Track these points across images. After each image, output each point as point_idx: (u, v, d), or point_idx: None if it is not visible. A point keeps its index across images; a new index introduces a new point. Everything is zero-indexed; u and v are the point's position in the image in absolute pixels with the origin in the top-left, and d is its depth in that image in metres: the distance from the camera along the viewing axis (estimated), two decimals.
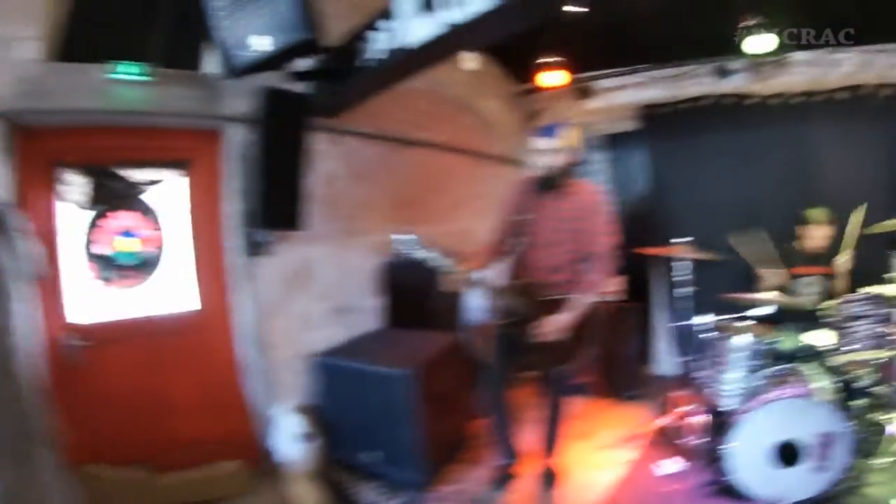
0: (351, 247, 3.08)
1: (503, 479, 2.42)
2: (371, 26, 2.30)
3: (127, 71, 2.38)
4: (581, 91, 3.70)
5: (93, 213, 2.48)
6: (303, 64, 2.50)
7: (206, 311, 2.79)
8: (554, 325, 2.19)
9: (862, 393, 2.21)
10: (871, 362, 2.21)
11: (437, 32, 2.00)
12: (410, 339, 2.92)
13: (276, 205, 2.51)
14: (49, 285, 2.32)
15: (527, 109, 4.16)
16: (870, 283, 2.39)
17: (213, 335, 2.80)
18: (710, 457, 2.36)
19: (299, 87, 2.61)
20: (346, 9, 2.56)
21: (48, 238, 2.35)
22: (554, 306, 2.23)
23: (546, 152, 2.26)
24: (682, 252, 2.70)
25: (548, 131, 2.26)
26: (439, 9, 1.97)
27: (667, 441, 2.71)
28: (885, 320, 2.17)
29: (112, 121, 2.50)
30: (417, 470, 2.47)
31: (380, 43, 2.26)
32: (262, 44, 2.16)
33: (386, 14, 2.20)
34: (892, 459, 2.16)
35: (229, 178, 2.78)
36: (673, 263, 2.91)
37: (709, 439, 2.43)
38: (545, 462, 2.43)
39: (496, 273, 2.37)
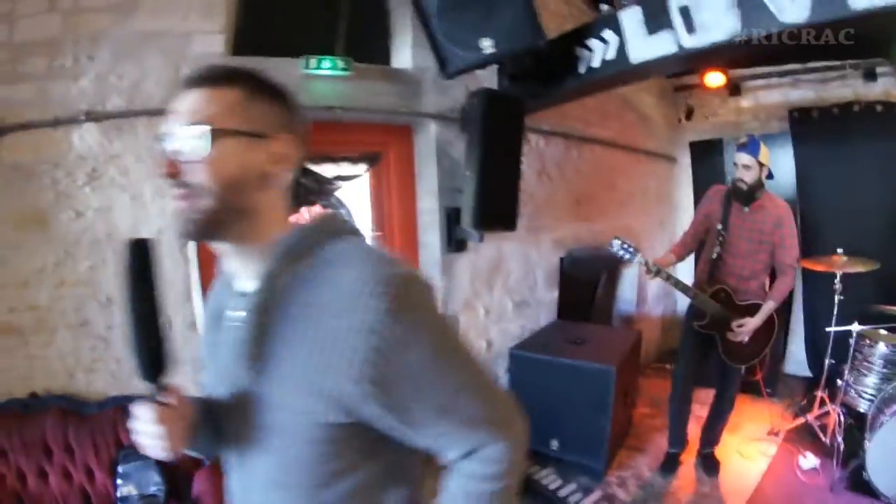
0: (535, 242, 3.39)
1: (672, 464, 2.88)
2: (588, 34, 2.50)
3: (325, 66, 2.48)
4: (731, 88, 3.96)
5: None
6: (513, 63, 2.60)
7: None
8: (747, 328, 2.58)
9: None
10: None
11: (665, 53, 2.25)
12: (595, 333, 3.27)
13: (493, 205, 2.63)
14: None
15: (680, 105, 4.43)
16: None
17: None
18: (846, 455, 2.72)
19: (505, 85, 2.75)
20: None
21: None
22: (747, 310, 2.62)
23: (747, 167, 2.58)
24: (834, 265, 2.99)
25: (748, 147, 2.58)
26: (667, 30, 2.25)
27: (807, 437, 3.10)
28: None
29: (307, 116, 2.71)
30: (600, 457, 2.84)
31: (599, 53, 2.48)
32: (486, 46, 2.25)
33: (608, 22, 2.42)
34: None
35: (422, 174, 3.04)
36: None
37: (845, 439, 2.78)
38: (709, 451, 2.89)
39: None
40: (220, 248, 0.81)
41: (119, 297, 1.02)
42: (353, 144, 2.92)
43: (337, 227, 0.85)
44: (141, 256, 0.76)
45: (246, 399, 0.78)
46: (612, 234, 2.70)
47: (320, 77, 2.52)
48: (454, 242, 2.99)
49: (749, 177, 2.59)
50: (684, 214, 4.79)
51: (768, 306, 2.63)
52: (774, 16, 1.93)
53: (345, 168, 2.89)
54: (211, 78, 0.77)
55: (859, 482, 2.58)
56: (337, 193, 2.89)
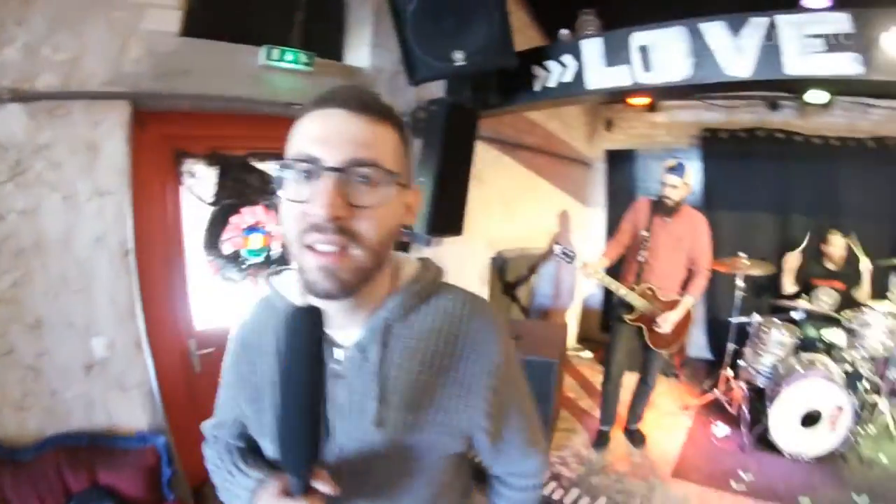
0: (469, 244, 3.55)
1: (604, 440, 3.40)
2: (548, 55, 2.75)
3: (287, 59, 2.42)
4: (649, 106, 4.48)
5: (219, 208, 2.51)
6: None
7: None
8: (671, 320, 3.12)
9: (861, 379, 3.37)
10: (870, 358, 3.39)
11: (619, 84, 2.58)
12: (526, 328, 3.64)
13: (445, 211, 2.75)
14: (178, 289, 2.41)
15: (601, 116, 4.87)
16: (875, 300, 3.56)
17: None
18: (752, 422, 3.43)
19: (455, 93, 2.77)
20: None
21: (173, 235, 2.37)
22: (670, 305, 3.16)
23: (675, 187, 3.07)
24: (737, 267, 3.69)
25: (676, 171, 3.08)
26: (625, 64, 2.55)
27: (716, 410, 3.80)
28: (884, 329, 3.33)
29: (253, 109, 2.49)
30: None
31: (556, 75, 2.74)
32: (457, 58, 2.33)
33: (569, 48, 2.69)
34: (878, 427, 3.40)
35: None
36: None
37: (750, 409, 3.49)
38: (635, 426, 3.47)
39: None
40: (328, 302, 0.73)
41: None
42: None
43: (439, 276, 0.89)
44: (315, 330, 0.67)
45: (372, 445, 0.79)
46: (537, 234, 3.06)
47: (279, 70, 2.46)
48: (398, 245, 3.11)
49: (676, 195, 3.11)
50: (599, 215, 5.34)
51: (688, 301, 3.19)
52: (721, 70, 2.32)
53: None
54: (374, 109, 0.72)
55: (765, 442, 3.30)
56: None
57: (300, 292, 0.76)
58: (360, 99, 0.71)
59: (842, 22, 2.07)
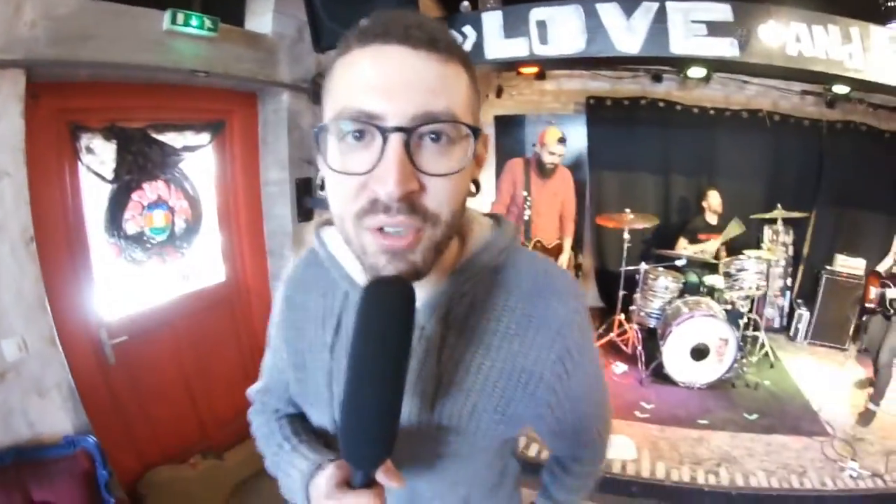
0: None
1: None
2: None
3: (193, 24, 2.45)
4: (538, 74, 4.97)
5: (120, 185, 2.52)
6: None
7: (243, 281, 3.25)
8: (564, 262, 3.92)
9: (741, 315, 4.19)
10: (747, 297, 4.22)
11: (516, 55, 3.00)
12: None
13: None
14: (84, 277, 2.38)
15: (491, 83, 5.25)
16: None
17: (250, 304, 3.28)
18: (647, 359, 4.12)
19: None
20: None
21: (75, 218, 2.35)
22: (557, 249, 4.00)
23: (560, 155, 3.89)
24: (623, 222, 4.35)
25: (563, 141, 3.89)
26: (523, 37, 2.96)
27: (612, 351, 4.48)
28: (758, 272, 4.16)
29: (153, 78, 2.53)
30: None
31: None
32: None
33: (469, 20, 3.02)
34: (759, 356, 4.28)
35: (269, 144, 3.22)
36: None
37: (644, 347, 4.21)
38: None
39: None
40: None
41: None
42: (197, 112, 2.95)
43: (515, 240, 0.80)
44: (407, 316, 0.61)
45: (424, 428, 0.76)
46: None
47: (183, 35, 2.48)
48: (303, 212, 3.34)
49: (558, 160, 3.98)
50: (488, 178, 5.80)
51: (568, 242, 4.15)
52: (614, 45, 2.80)
53: (189, 137, 2.92)
54: (443, 43, 0.60)
55: (660, 375, 4.01)
56: (181, 166, 2.88)
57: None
58: (425, 30, 0.59)
59: (724, 11, 2.63)
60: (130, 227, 2.62)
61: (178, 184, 2.87)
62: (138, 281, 2.68)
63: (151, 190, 2.72)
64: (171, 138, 2.77)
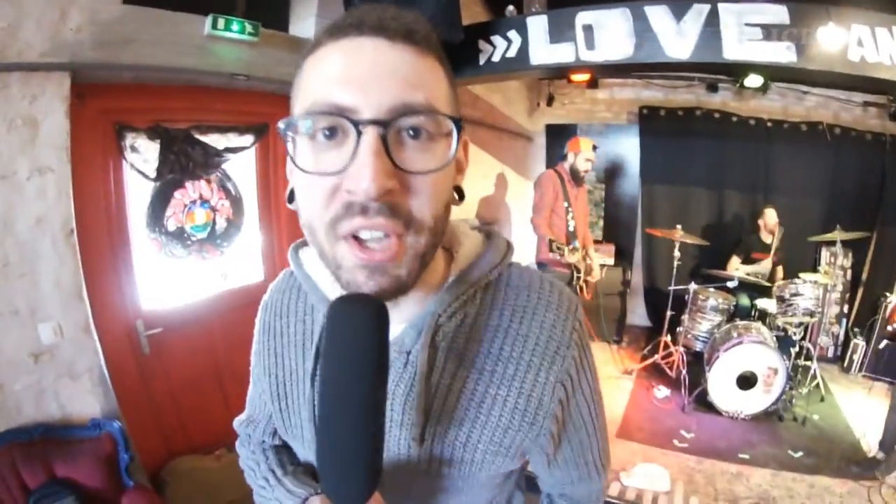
0: None
1: None
2: (494, 30, 3.03)
3: (234, 28, 2.50)
4: (590, 82, 4.85)
5: (162, 183, 2.61)
6: None
7: None
8: (597, 268, 3.93)
9: (794, 343, 3.92)
10: (801, 324, 3.93)
11: (562, 61, 2.93)
12: None
13: None
14: (123, 269, 2.48)
15: (542, 91, 5.20)
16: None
17: None
18: (690, 384, 3.91)
19: None
20: None
21: (117, 213, 2.46)
22: (585, 255, 3.96)
23: (592, 161, 3.91)
24: (674, 236, 4.18)
25: (595, 150, 3.90)
26: (569, 42, 2.89)
27: (655, 374, 4.30)
28: (813, 298, 3.88)
29: (196, 80, 2.63)
30: None
31: (501, 49, 3.07)
32: None
33: (514, 24, 2.99)
34: (810, 388, 3.97)
35: None
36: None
37: (689, 372, 3.99)
38: None
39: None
40: None
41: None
42: (241, 114, 3.02)
43: (508, 254, 0.75)
44: (381, 335, 0.55)
45: (416, 462, 0.71)
46: (481, 206, 3.52)
47: (224, 40, 2.55)
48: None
49: (590, 167, 4.05)
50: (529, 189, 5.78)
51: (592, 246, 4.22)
52: (663, 50, 2.67)
53: (232, 139, 2.99)
54: (420, 35, 0.57)
55: (704, 403, 3.81)
56: (224, 167, 2.95)
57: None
58: (401, 22, 0.56)
59: (779, 13, 2.47)
60: (171, 224, 2.72)
61: (220, 183, 2.95)
62: (177, 276, 2.78)
63: (194, 189, 2.81)
64: (214, 139, 2.84)
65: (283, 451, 0.89)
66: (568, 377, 0.71)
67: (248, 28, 2.58)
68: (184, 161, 2.70)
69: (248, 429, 0.95)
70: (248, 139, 3.05)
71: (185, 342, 2.80)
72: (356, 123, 0.52)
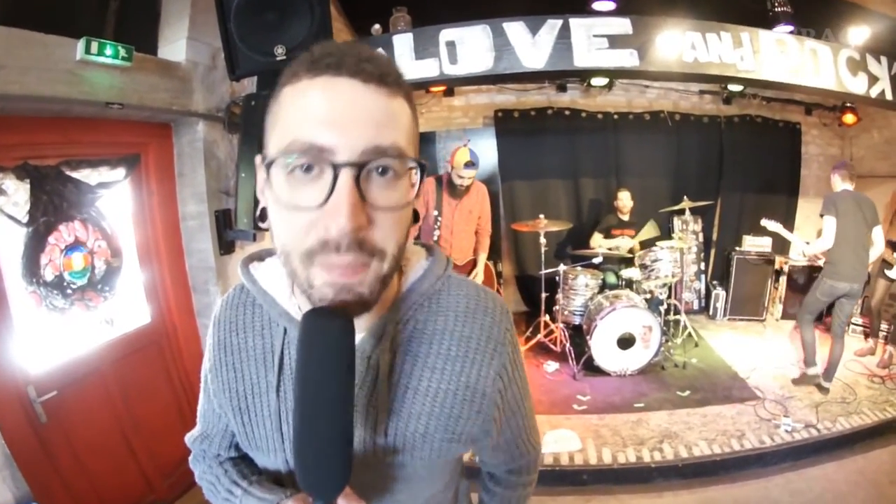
0: None
1: None
2: None
3: (107, 53, 2.37)
4: (446, 90, 5.23)
5: (35, 228, 2.40)
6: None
7: (169, 320, 3.15)
8: (479, 279, 4.01)
9: (661, 302, 4.60)
10: (664, 285, 4.62)
11: (427, 76, 3.17)
12: None
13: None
14: (4, 331, 2.23)
15: None
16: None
17: (178, 343, 3.19)
18: (576, 355, 4.40)
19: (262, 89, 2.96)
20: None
21: None
22: (468, 266, 4.16)
23: (469, 178, 4.02)
24: (538, 226, 4.64)
25: (475, 165, 4.01)
26: (433, 58, 3.12)
27: (542, 352, 4.75)
28: (672, 261, 4.58)
29: (66, 111, 2.45)
30: None
31: None
32: (279, 53, 2.57)
33: (380, 42, 3.16)
34: (683, 337, 4.67)
35: (186, 176, 3.16)
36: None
37: (573, 344, 4.49)
38: None
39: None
40: None
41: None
42: (112, 146, 2.87)
43: (449, 267, 0.87)
44: (349, 344, 0.64)
45: (380, 453, 0.80)
46: None
47: (96, 65, 2.39)
48: (224, 245, 3.31)
49: (468, 182, 4.08)
50: None
51: (482, 257, 4.26)
52: (521, 62, 3.05)
53: (104, 173, 2.84)
54: (391, 77, 0.64)
55: (592, 368, 4.33)
56: (97, 204, 2.78)
57: (294, 294, 0.79)
58: (376, 64, 0.62)
59: (623, 25, 2.97)
60: (49, 273, 2.49)
61: (95, 223, 2.76)
62: (62, 330, 2.54)
63: (68, 231, 2.60)
64: (86, 175, 2.68)
65: (241, 463, 0.95)
66: (504, 370, 0.86)
67: (122, 52, 2.44)
68: (57, 201, 2.51)
69: (202, 444, 0.99)
70: (120, 172, 2.90)
71: (81, 401, 2.57)
72: (335, 165, 0.59)
